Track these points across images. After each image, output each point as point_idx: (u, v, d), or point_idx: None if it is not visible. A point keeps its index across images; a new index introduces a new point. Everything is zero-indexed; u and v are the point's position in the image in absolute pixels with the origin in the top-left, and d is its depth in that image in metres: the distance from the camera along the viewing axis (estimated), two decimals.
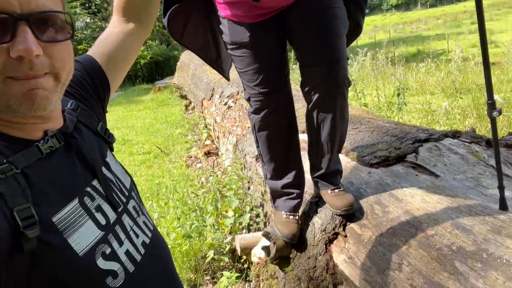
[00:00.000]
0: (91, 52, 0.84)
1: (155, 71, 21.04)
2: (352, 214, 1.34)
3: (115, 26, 0.88)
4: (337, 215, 1.35)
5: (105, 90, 0.83)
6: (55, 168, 0.62)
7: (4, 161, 0.55)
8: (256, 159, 2.53)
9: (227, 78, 1.61)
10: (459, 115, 4.26)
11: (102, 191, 0.68)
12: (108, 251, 0.64)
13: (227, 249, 2.33)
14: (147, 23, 0.92)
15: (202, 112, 6.15)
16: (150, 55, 21.27)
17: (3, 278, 0.52)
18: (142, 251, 0.71)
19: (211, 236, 2.27)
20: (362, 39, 21.84)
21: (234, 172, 2.77)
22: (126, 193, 0.75)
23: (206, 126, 5.98)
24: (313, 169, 1.51)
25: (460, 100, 5.62)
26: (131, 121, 8.22)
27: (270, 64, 1.33)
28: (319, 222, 1.41)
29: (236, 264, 2.35)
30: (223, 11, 1.28)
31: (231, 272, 2.24)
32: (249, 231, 2.27)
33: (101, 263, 0.62)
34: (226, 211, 2.57)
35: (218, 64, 1.51)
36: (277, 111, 1.39)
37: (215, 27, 1.39)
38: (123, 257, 0.66)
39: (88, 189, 0.66)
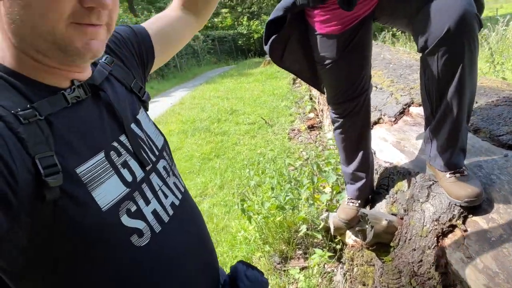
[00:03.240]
0: (146, 24, 0.86)
1: None
2: (477, 205, 1.08)
3: (173, 10, 0.91)
4: (456, 205, 1.10)
5: (149, 59, 0.84)
6: (81, 119, 0.60)
7: (28, 106, 0.54)
8: None
9: (322, 92, 1.72)
10: None
11: (130, 147, 0.66)
12: (133, 208, 0.62)
13: (321, 226, 2.20)
14: (203, 17, 0.95)
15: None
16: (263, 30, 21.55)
17: (28, 224, 0.51)
18: (171, 212, 0.69)
19: (305, 210, 2.16)
20: (504, 8, 18.59)
21: (334, 145, 2.58)
22: (157, 153, 0.73)
23: (311, 99, 5.80)
24: (428, 143, 1.25)
25: None
26: (240, 93, 8.48)
27: (350, 79, 1.44)
28: (431, 209, 1.17)
29: (330, 243, 2.21)
30: (317, 28, 1.38)
31: (323, 251, 2.12)
32: None
33: (126, 220, 0.60)
34: (324, 187, 2.42)
35: (313, 81, 1.64)
36: (352, 117, 1.53)
37: (309, 47, 1.50)
38: (150, 217, 0.64)
39: (115, 143, 0.64)
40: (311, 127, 5.09)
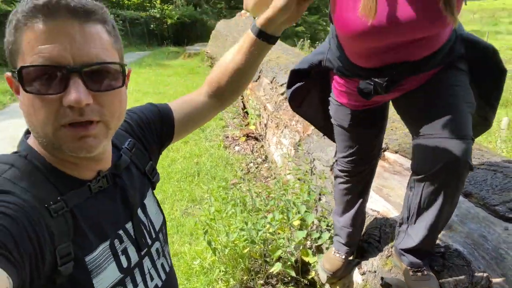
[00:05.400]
0: (173, 105, 0.93)
1: (181, 33, 20.52)
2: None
3: (201, 95, 0.96)
4: None
5: (167, 139, 0.91)
6: (98, 208, 0.66)
7: (58, 198, 0.60)
8: (331, 169, 2.36)
9: (334, 141, 1.74)
10: None
11: (132, 234, 0.72)
12: None
13: (292, 259, 2.21)
14: (227, 103, 1.00)
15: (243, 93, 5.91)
16: (178, 16, 20.69)
17: None
18: None
19: (281, 247, 2.13)
20: None
21: (297, 178, 2.60)
22: (154, 235, 0.79)
23: (244, 109, 5.77)
24: (400, 239, 1.35)
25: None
26: (162, 87, 8.04)
27: (362, 149, 1.45)
28: (451, 282, 1.25)
29: (301, 279, 2.23)
30: (335, 95, 1.41)
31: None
32: (318, 250, 2.13)
33: None
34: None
35: (326, 130, 1.65)
36: (355, 180, 1.54)
37: (327, 102, 1.52)
38: None
39: (121, 231, 0.70)
40: (247, 136, 5.08)
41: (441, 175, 1.13)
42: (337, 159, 1.55)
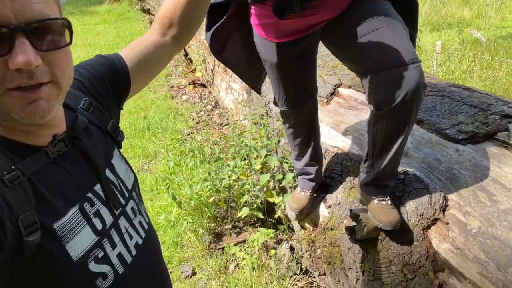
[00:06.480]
0: (123, 52, 0.86)
1: None
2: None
3: (152, 34, 0.89)
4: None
5: (124, 91, 0.85)
6: (59, 174, 0.64)
7: (13, 167, 0.57)
8: None
9: (258, 92, 1.74)
10: (457, 54, 4.23)
11: (102, 195, 0.70)
12: (100, 255, 0.67)
13: (258, 202, 2.26)
14: (183, 40, 0.93)
15: None
16: None
17: (7, 276, 0.56)
18: (134, 252, 0.74)
19: (247, 192, 2.17)
20: None
21: (252, 121, 2.59)
22: (127, 194, 0.77)
23: (186, 56, 5.50)
24: (364, 174, 1.41)
25: (445, 36, 5.59)
26: (91, 38, 7.37)
27: (294, 85, 1.43)
28: (412, 205, 1.35)
29: (268, 218, 2.31)
30: (257, 31, 1.35)
31: (267, 228, 2.21)
32: (282, 190, 2.19)
33: (93, 267, 0.65)
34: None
35: (247, 76, 1.63)
36: (300, 121, 1.55)
37: (250, 42, 1.44)
38: (115, 260, 0.69)
39: (90, 194, 0.68)
40: (193, 83, 4.90)
41: (405, 102, 1.15)
42: (277, 102, 1.53)
